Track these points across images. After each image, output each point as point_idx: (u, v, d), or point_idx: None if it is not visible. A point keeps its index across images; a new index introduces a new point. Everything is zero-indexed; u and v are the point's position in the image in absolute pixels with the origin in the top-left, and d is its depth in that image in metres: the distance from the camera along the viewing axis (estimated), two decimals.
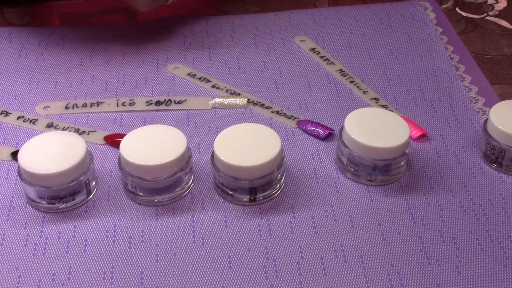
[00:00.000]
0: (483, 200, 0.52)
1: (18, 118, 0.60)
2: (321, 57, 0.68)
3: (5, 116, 0.60)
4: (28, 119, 0.60)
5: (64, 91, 0.63)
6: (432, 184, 0.53)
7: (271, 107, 0.61)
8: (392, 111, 0.59)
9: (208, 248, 0.48)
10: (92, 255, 0.47)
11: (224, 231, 0.49)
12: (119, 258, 0.47)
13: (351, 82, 0.65)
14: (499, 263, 0.47)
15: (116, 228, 0.49)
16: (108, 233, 0.49)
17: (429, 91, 0.63)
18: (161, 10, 0.72)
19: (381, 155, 0.51)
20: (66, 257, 0.47)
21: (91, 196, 0.52)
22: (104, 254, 0.47)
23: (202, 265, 0.46)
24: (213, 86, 0.64)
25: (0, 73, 0.66)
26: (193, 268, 0.46)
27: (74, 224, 0.50)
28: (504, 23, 0.75)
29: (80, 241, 0.48)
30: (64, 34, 0.72)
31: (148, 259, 0.47)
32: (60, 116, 0.60)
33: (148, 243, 0.48)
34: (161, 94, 0.63)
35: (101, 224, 0.49)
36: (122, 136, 0.53)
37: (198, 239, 0.48)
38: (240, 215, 0.50)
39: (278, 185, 0.52)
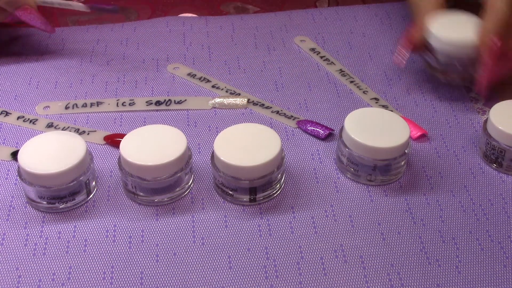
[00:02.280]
0: (483, 200, 0.52)
1: (18, 118, 0.60)
2: (321, 57, 0.68)
3: (5, 116, 0.60)
4: (28, 119, 0.60)
5: (64, 91, 0.64)
6: (432, 184, 0.53)
7: (271, 107, 0.61)
8: (392, 111, 0.59)
9: (208, 248, 0.48)
10: (92, 255, 0.47)
11: (224, 231, 0.49)
12: (119, 258, 0.47)
13: (351, 82, 0.65)
14: (499, 263, 0.47)
15: (116, 228, 0.49)
16: (108, 233, 0.49)
17: (429, 91, 0.63)
18: None
19: (381, 155, 0.51)
20: (66, 257, 0.47)
21: (91, 196, 0.52)
22: (104, 254, 0.47)
23: (202, 265, 0.46)
24: (213, 86, 0.64)
25: (0, 73, 0.66)
26: (193, 268, 0.46)
27: (74, 224, 0.50)
28: None
29: (80, 241, 0.48)
30: (64, 34, 0.72)
31: (148, 259, 0.47)
32: (60, 116, 0.60)
33: (148, 243, 0.48)
34: (161, 94, 0.63)
35: (101, 224, 0.49)
36: (122, 136, 0.53)
37: (198, 239, 0.48)
38: (240, 215, 0.50)
39: (278, 185, 0.52)
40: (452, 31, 0.58)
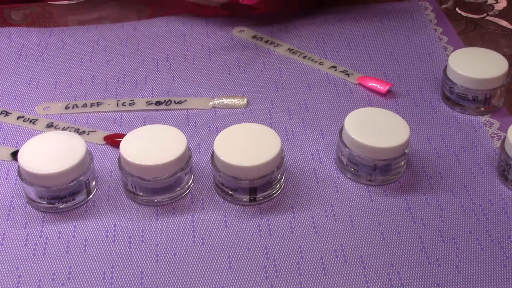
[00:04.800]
0: (483, 200, 0.52)
1: (18, 118, 0.60)
2: (266, 42, 0.70)
3: (5, 116, 0.60)
4: (28, 119, 0.60)
5: (64, 91, 0.64)
6: (432, 184, 0.53)
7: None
8: (353, 73, 0.64)
9: (208, 248, 0.48)
10: (92, 255, 0.47)
11: (224, 231, 0.49)
12: (119, 258, 0.47)
13: (304, 57, 0.67)
14: (499, 263, 0.47)
15: (116, 228, 0.49)
16: (108, 233, 0.49)
17: (429, 92, 0.63)
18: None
19: (381, 155, 0.51)
20: (66, 257, 0.47)
21: (91, 196, 0.52)
22: (104, 254, 0.47)
23: (202, 265, 0.46)
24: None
25: (0, 73, 0.66)
26: (193, 268, 0.46)
27: (74, 224, 0.50)
28: (504, 23, 0.75)
29: (80, 241, 0.48)
30: (64, 34, 0.72)
31: (148, 259, 0.47)
32: (60, 116, 0.60)
33: (148, 243, 0.48)
34: (161, 94, 0.63)
35: (101, 224, 0.49)
36: (122, 136, 0.53)
37: (198, 239, 0.48)
38: (240, 215, 0.50)
39: (278, 185, 0.52)
40: (470, 67, 0.59)
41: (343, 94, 0.63)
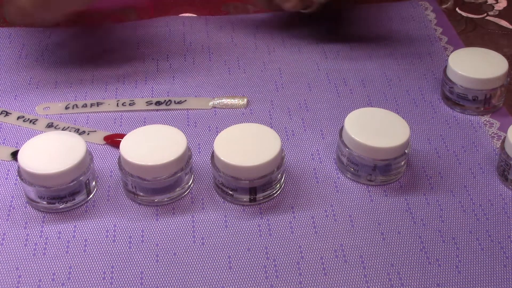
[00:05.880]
0: (483, 200, 0.52)
1: (18, 118, 0.60)
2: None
3: (5, 116, 0.60)
4: (28, 119, 0.60)
5: (64, 91, 0.63)
6: (432, 184, 0.53)
7: None
8: None
9: (208, 248, 0.48)
10: (92, 255, 0.47)
11: (224, 231, 0.49)
12: (119, 258, 0.47)
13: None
14: (499, 263, 0.47)
15: (116, 228, 0.49)
16: (108, 233, 0.49)
17: (429, 92, 0.63)
18: None
19: (381, 155, 0.51)
20: (66, 257, 0.47)
21: (91, 196, 0.52)
22: (104, 254, 0.47)
23: (202, 265, 0.46)
24: None
25: (0, 73, 0.66)
26: (193, 268, 0.46)
27: (74, 224, 0.50)
28: (504, 23, 0.75)
29: (80, 241, 0.48)
30: (64, 34, 0.72)
31: (148, 259, 0.47)
32: (60, 116, 0.60)
33: (148, 243, 0.48)
34: (161, 94, 0.63)
35: (101, 224, 0.49)
36: (122, 136, 0.53)
37: (198, 239, 0.48)
38: (240, 215, 0.50)
39: (278, 185, 0.52)
40: (470, 67, 0.59)
41: (343, 94, 0.63)
